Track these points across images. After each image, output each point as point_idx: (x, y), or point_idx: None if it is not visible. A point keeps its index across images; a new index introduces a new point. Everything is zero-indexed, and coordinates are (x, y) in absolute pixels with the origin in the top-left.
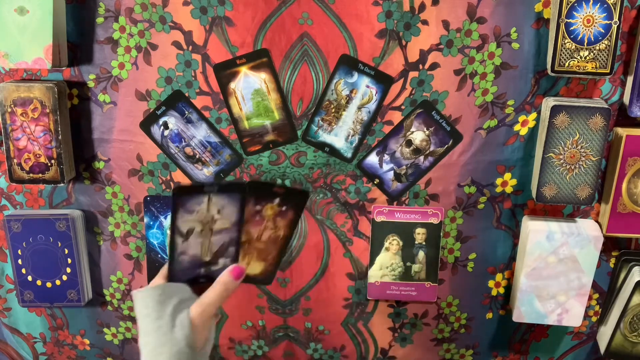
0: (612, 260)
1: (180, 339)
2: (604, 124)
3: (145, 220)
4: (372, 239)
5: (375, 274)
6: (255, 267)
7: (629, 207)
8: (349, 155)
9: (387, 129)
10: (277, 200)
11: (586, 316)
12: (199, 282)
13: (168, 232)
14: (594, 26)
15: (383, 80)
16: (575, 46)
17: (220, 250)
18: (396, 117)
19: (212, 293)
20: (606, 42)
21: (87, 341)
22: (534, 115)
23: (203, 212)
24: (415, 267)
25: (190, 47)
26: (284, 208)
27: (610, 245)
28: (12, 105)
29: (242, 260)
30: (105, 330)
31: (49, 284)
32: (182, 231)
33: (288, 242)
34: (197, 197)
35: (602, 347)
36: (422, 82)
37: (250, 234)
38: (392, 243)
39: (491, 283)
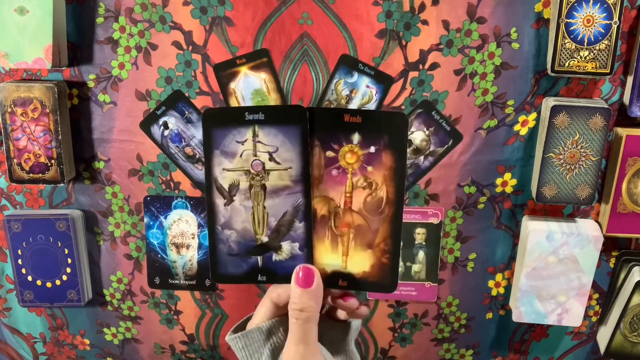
0: (612, 260)
1: None
2: (604, 124)
3: (145, 220)
4: None
5: None
6: (360, 261)
7: (629, 207)
8: None
9: None
10: (356, 137)
11: (586, 316)
12: (257, 280)
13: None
14: (594, 26)
15: (383, 80)
16: (575, 46)
17: (283, 224)
18: None
19: (292, 334)
20: (606, 42)
21: (87, 341)
22: (534, 115)
23: (248, 155)
24: (415, 267)
25: (190, 47)
26: (372, 148)
27: (610, 245)
28: (12, 105)
29: (332, 249)
30: (105, 330)
31: (49, 284)
32: (222, 186)
33: (400, 208)
34: (237, 129)
35: (602, 347)
36: (422, 82)
37: (333, 201)
38: None
39: (491, 283)
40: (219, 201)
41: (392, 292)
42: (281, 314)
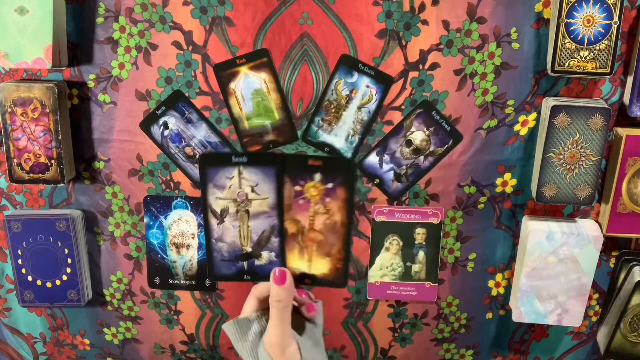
0: (612, 260)
1: None
2: (604, 124)
3: (145, 220)
4: (372, 239)
5: (375, 274)
6: (320, 265)
7: (629, 207)
8: (349, 155)
9: (387, 129)
10: (318, 176)
11: (586, 316)
12: (243, 279)
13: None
14: (594, 26)
15: (383, 80)
16: (575, 46)
17: (262, 239)
18: (396, 117)
19: (272, 319)
20: (606, 42)
21: (87, 341)
22: (534, 115)
23: (235, 188)
24: (415, 267)
25: (190, 47)
26: (330, 185)
27: (610, 245)
28: (12, 105)
29: (301, 257)
30: (105, 330)
31: (49, 284)
32: (216, 210)
33: (349, 229)
34: (226, 169)
35: (602, 347)
36: (422, 82)
37: (300, 222)
38: (392, 243)
39: (491, 283)
40: (213, 221)
41: (343, 287)
42: (263, 308)
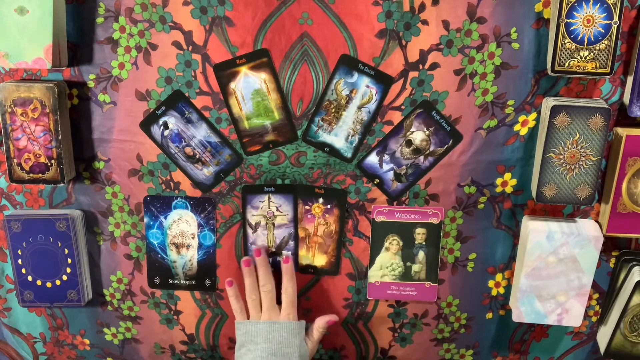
0: (612, 260)
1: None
2: (604, 124)
3: (145, 220)
4: (372, 239)
5: (375, 274)
6: (320, 259)
7: (629, 207)
8: (349, 155)
9: (387, 129)
10: (321, 200)
11: (586, 316)
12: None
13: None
14: (594, 26)
15: (383, 80)
16: (575, 46)
17: (283, 242)
18: (396, 117)
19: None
20: (606, 42)
21: (87, 341)
22: (534, 115)
23: (265, 208)
24: (415, 267)
25: (190, 47)
26: (328, 206)
27: (610, 245)
28: (12, 105)
29: (307, 253)
30: (105, 330)
31: (49, 284)
32: (252, 223)
33: (340, 236)
34: (259, 195)
35: (602, 347)
36: (422, 82)
37: (308, 230)
38: (392, 243)
39: (491, 283)
40: (250, 230)
41: (336, 275)
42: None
